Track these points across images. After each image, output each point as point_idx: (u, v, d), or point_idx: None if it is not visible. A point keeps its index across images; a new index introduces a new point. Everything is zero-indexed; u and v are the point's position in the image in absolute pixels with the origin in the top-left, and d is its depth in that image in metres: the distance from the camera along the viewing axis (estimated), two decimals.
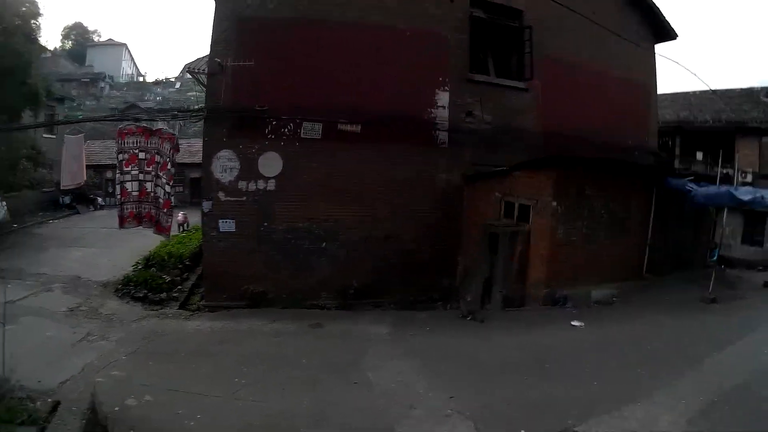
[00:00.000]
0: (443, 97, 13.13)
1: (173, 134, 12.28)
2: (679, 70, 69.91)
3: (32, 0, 19.52)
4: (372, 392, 7.33)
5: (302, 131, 12.21)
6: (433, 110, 13.06)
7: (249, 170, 12.08)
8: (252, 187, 12.13)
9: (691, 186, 12.67)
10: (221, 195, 12.05)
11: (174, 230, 19.31)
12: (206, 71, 13.20)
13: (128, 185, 11.98)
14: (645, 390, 7.20)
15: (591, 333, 9.92)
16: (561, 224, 11.27)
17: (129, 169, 11.91)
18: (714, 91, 21.41)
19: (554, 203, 11.08)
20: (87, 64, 52.92)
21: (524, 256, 11.48)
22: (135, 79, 54.58)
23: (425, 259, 13.19)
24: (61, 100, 31.72)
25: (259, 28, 12.11)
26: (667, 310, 11.18)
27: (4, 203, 23.58)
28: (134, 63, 59.00)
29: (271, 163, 12.17)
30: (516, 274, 11.48)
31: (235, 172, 12.04)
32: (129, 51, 56.58)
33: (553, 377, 7.85)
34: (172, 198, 12.15)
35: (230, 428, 6.09)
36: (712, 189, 12.42)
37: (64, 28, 67.25)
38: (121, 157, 11.89)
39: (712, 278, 12.17)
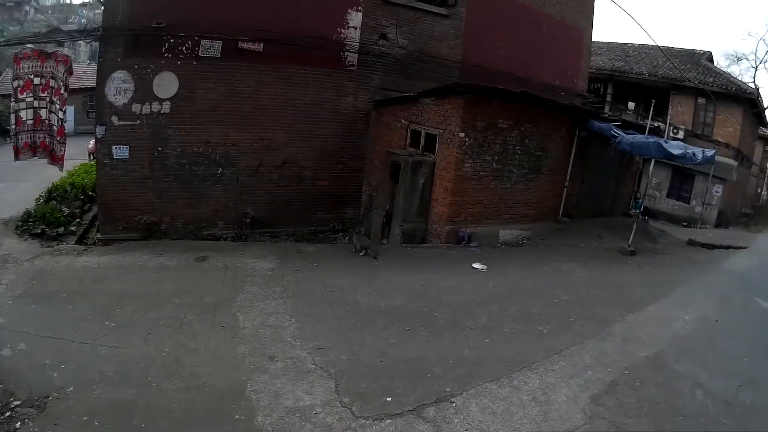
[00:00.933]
0: (355, 18, 12.35)
1: (67, 56, 11.24)
2: (618, 22, 69.75)
3: None
4: (236, 338, 6.78)
5: (200, 50, 11.31)
6: (343, 30, 12.29)
7: (144, 92, 11.21)
8: (146, 110, 11.29)
9: (617, 132, 12.30)
10: (115, 119, 11.19)
11: (85, 159, 18.25)
12: None
13: (23, 113, 11.04)
14: (543, 353, 6.56)
15: (492, 278, 9.35)
16: (468, 157, 10.78)
17: (24, 96, 10.96)
18: (658, 46, 21.03)
19: (461, 134, 10.54)
20: None
21: (428, 189, 11.02)
22: (61, 2, 50.84)
23: (327, 188, 12.77)
24: None
25: None
26: (581, 259, 10.79)
27: None
28: None
29: (166, 84, 11.31)
30: (418, 207, 11.06)
31: (129, 94, 11.16)
32: None
33: (440, 329, 7.22)
34: (65, 125, 11.30)
35: (86, 380, 5.65)
36: (639, 138, 12.03)
37: None
38: (16, 83, 10.94)
39: (633, 229, 11.84)
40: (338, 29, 12.19)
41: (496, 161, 11.20)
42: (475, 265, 9.79)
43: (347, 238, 11.97)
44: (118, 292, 8.11)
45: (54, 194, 13.74)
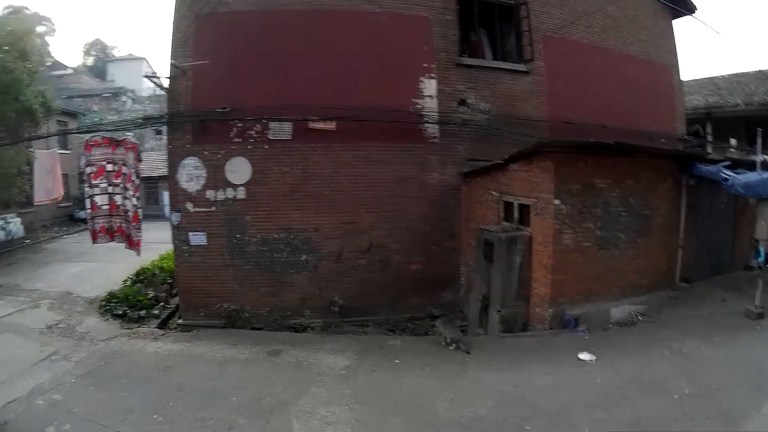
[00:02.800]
0: (429, 85, 11.66)
1: (136, 143, 11.66)
2: (699, 54, 65.98)
3: (25, 17, 19.56)
4: None
5: (270, 132, 11.15)
6: (418, 101, 11.60)
7: (216, 178, 11.17)
8: (221, 196, 11.21)
9: (727, 173, 10.55)
10: (189, 206, 11.24)
11: None
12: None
13: (98, 198, 11.55)
14: None
15: (601, 371, 7.81)
16: (567, 226, 9.46)
17: (97, 181, 11.48)
18: (762, 72, 19.11)
19: (556, 201, 9.31)
20: (109, 79, 53.20)
21: (526, 267, 9.73)
22: (156, 93, 54.42)
23: (420, 272, 11.83)
24: (73, 115, 32.17)
25: (219, 25, 11.13)
26: (703, 333, 8.92)
27: (19, 219, 23.62)
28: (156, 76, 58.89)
29: (238, 169, 11.21)
30: (516, 289, 9.73)
31: (202, 181, 11.19)
32: (149, 64, 56.46)
33: None
34: (140, 211, 11.60)
35: None
36: (753, 176, 10.16)
37: (85, 45, 68.07)
38: (89, 169, 11.49)
39: (759, 285, 9.74)
40: (412, 99, 11.55)
41: (599, 228, 9.78)
42: (581, 356, 8.28)
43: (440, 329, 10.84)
44: (178, 383, 7.95)
45: (141, 277, 14.15)
